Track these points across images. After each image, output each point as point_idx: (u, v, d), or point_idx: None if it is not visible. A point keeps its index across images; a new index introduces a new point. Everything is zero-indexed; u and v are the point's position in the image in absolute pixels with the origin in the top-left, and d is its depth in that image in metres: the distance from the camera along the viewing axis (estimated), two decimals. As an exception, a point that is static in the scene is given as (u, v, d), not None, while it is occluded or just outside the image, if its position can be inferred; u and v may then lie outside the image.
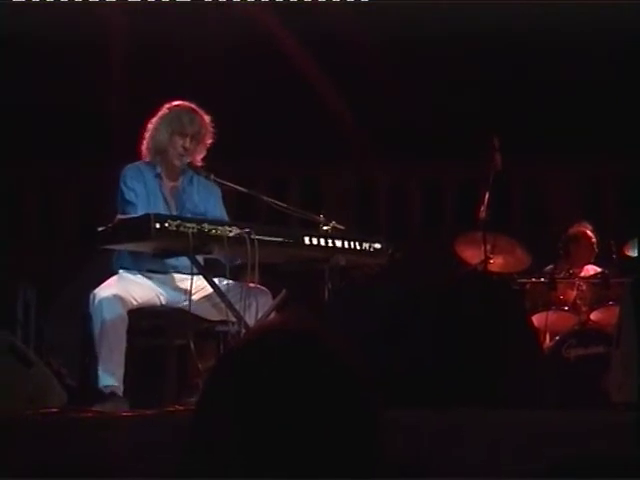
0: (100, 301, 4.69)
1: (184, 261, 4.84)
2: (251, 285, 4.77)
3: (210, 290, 4.86)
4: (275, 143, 8.34)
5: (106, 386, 4.63)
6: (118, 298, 4.71)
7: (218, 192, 5.17)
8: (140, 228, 4.53)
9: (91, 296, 4.76)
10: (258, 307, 4.84)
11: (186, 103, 5.09)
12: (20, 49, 7.34)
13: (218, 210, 5.14)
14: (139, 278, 4.93)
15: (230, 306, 4.76)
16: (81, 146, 8.19)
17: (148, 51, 7.66)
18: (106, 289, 4.77)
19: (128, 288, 4.81)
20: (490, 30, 7.40)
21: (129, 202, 4.91)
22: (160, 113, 5.08)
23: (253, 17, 7.70)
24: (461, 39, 7.63)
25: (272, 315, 4.92)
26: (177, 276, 4.99)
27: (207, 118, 5.04)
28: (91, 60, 7.73)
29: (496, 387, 4.02)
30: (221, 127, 5.08)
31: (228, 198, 5.46)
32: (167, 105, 5.10)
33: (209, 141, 5.06)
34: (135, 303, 4.79)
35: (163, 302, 4.96)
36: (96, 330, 4.67)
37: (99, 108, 7.95)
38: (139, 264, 4.94)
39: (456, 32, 7.51)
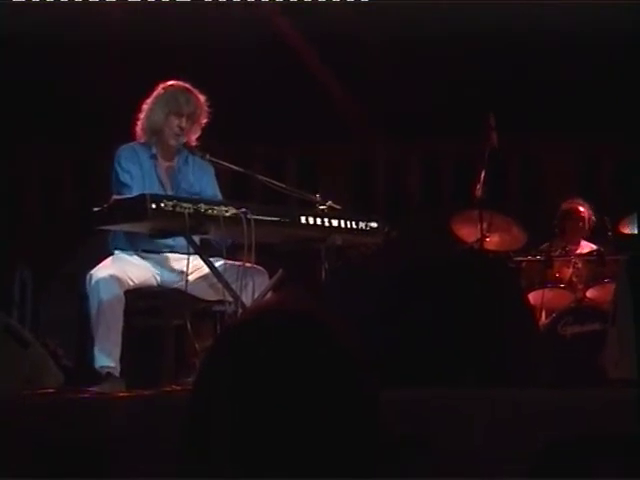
0: (97, 282, 4.69)
1: (180, 241, 4.84)
2: (247, 265, 4.77)
3: (206, 270, 4.86)
4: (271, 123, 8.32)
5: (102, 366, 4.64)
6: (115, 278, 4.71)
7: (212, 171, 5.17)
8: (136, 208, 4.52)
9: (87, 277, 4.76)
10: (255, 287, 4.84)
11: (181, 83, 5.08)
12: (20, 49, 7.40)
13: (211, 189, 5.14)
14: (135, 259, 4.93)
15: (227, 286, 4.76)
16: (78, 129, 8.18)
17: (147, 34, 7.68)
18: (102, 270, 4.77)
19: (124, 268, 4.81)
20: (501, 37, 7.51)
21: (124, 184, 4.90)
22: (155, 93, 5.07)
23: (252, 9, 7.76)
24: (462, 29, 7.67)
25: (269, 295, 4.92)
26: (173, 256, 4.99)
27: (202, 98, 5.04)
28: (87, 47, 7.76)
29: (492, 365, 4.03)
30: (217, 109, 5.07)
31: (223, 178, 5.45)
32: (162, 85, 5.09)
33: (204, 121, 5.06)
34: (132, 284, 4.79)
35: (159, 282, 4.97)
36: (93, 311, 4.68)
37: (95, 92, 7.95)
38: (135, 244, 4.94)
39: (456, 24, 7.56)
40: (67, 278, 6.91)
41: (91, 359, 4.68)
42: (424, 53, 8.17)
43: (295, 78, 8.35)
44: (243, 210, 4.68)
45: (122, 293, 4.71)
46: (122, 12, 7.56)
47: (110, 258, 4.91)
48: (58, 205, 8.79)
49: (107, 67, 7.99)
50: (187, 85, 5.06)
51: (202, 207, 4.62)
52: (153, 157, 5.07)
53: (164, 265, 4.99)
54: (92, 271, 4.78)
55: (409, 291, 4.33)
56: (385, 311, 4.21)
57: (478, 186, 6.27)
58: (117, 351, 4.66)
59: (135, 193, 4.72)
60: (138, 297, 4.81)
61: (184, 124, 4.99)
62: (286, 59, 8.24)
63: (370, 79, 8.41)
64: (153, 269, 4.96)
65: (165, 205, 4.51)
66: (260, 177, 5.32)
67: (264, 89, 8.26)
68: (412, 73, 8.33)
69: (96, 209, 4.66)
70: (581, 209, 7.02)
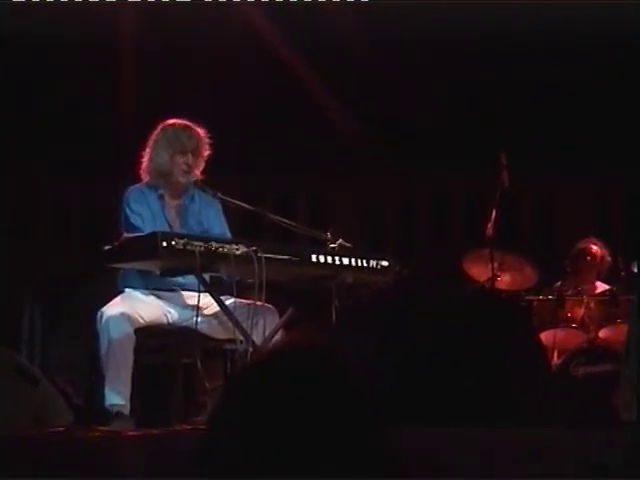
0: (107, 319, 4.73)
1: (191, 279, 4.87)
2: (258, 303, 4.79)
3: (217, 308, 4.89)
4: (281, 158, 8.37)
5: (113, 405, 4.66)
6: (125, 316, 4.75)
7: (219, 207, 5.22)
8: (147, 247, 4.56)
9: (98, 314, 4.80)
10: (265, 325, 4.87)
11: (179, 121, 5.15)
12: (20, 49, 7.40)
13: (219, 225, 5.19)
14: (146, 296, 4.97)
15: (237, 324, 4.78)
16: (88, 161, 8.21)
17: (150, 66, 7.72)
18: (113, 307, 4.81)
19: (135, 306, 4.85)
20: (501, 37, 7.42)
21: (135, 226, 4.96)
22: (155, 136, 5.13)
23: (255, 28, 7.71)
24: (468, 47, 7.66)
25: (279, 334, 4.95)
26: (184, 294, 5.03)
27: (202, 132, 5.12)
28: (93, 63, 7.73)
29: (504, 406, 4.04)
30: (226, 143, 5.13)
31: (234, 216, 5.50)
32: (161, 126, 5.15)
33: (206, 153, 5.13)
34: (142, 321, 4.83)
35: (170, 320, 5.00)
36: (103, 349, 4.71)
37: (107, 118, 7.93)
38: (145, 282, 4.98)
39: (463, 38, 7.54)
40: (77, 314, 6.94)
41: (101, 397, 4.70)
42: (438, 89, 8.21)
43: (305, 111, 8.38)
44: (253, 248, 4.71)
45: (132, 331, 4.74)
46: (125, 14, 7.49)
47: (120, 296, 4.95)
48: (67, 239, 8.81)
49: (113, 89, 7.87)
50: (186, 122, 5.13)
51: (213, 245, 4.66)
52: (160, 198, 5.13)
53: (174, 303, 5.02)
54: (103, 309, 4.82)
55: (420, 330, 4.35)
56: (395, 350, 4.23)
57: (489, 225, 6.31)
58: (127, 389, 4.68)
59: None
60: (148, 335, 4.85)
61: (190, 160, 5.06)
62: (293, 90, 8.26)
63: (381, 114, 8.44)
64: (163, 307, 4.99)
65: (176, 243, 4.55)
66: (271, 216, 5.35)
67: (274, 122, 8.30)
68: (425, 108, 8.36)
69: (107, 247, 4.71)
70: (594, 248, 7.02)
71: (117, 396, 4.66)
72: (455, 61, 7.91)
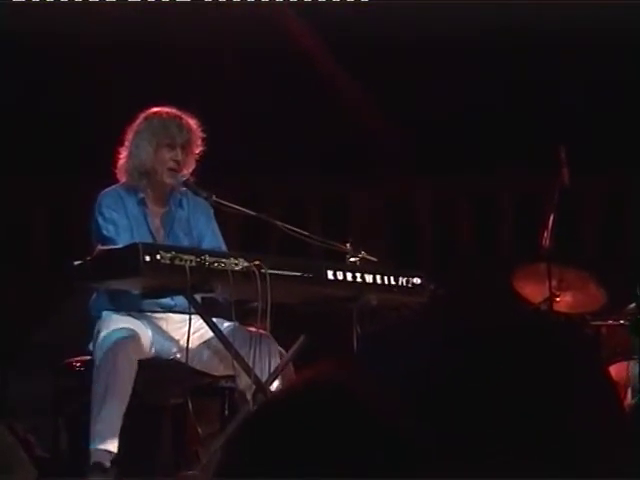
0: (115, 342, 4.73)
1: (180, 301, 4.90)
2: (262, 331, 4.81)
3: (211, 336, 4.90)
4: (290, 155, 8.40)
5: (100, 450, 4.65)
6: (136, 341, 4.79)
7: (210, 212, 5.24)
8: (126, 262, 4.57)
9: (101, 336, 4.81)
10: (271, 358, 4.87)
11: (167, 109, 5.14)
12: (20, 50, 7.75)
13: (212, 235, 5.20)
14: (126, 319, 4.98)
15: (237, 356, 4.80)
16: (55, 159, 8.31)
17: (149, 59, 8.02)
18: (121, 330, 4.82)
19: (140, 329, 4.88)
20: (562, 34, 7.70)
21: (108, 238, 4.94)
22: (137, 126, 5.12)
23: (265, 19, 8.00)
24: (528, 41, 7.89)
25: (288, 368, 4.95)
26: (171, 319, 5.05)
27: (194, 122, 5.11)
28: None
29: (567, 456, 4.04)
30: (226, 139, 5.16)
31: (233, 224, 5.53)
32: (144, 115, 5.14)
33: (198, 150, 5.13)
34: (147, 351, 4.85)
35: (155, 352, 5.02)
36: (102, 378, 4.70)
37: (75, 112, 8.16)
38: (125, 305, 4.99)
39: (518, 34, 7.80)
40: (38, 349, 6.96)
41: (73, 446, 4.71)
42: (476, 79, 8.30)
43: (318, 99, 8.46)
44: (256, 263, 4.73)
45: (136, 361, 4.76)
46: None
47: (111, 319, 4.94)
48: (27, 258, 8.84)
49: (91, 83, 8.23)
50: (175, 110, 5.12)
51: (206, 259, 4.67)
52: (141, 202, 5.13)
53: (160, 331, 5.04)
54: (106, 329, 4.83)
55: (460, 363, 4.35)
56: (431, 389, 4.24)
57: (546, 234, 6.30)
58: (118, 433, 4.68)
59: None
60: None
61: (180, 156, 5.06)
62: (307, 80, 8.36)
63: (410, 107, 8.50)
64: (147, 335, 5.01)
65: (162, 257, 4.56)
66: (278, 223, 5.37)
67: (280, 111, 8.37)
68: (464, 95, 8.42)
69: (77, 262, 4.72)
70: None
71: (109, 440, 4.64)
72: (509, 51, 8.09)
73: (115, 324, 4.91)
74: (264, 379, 4.80)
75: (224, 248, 5.19)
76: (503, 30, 7.86)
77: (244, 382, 4.81)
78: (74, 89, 8.28)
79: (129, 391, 4.73)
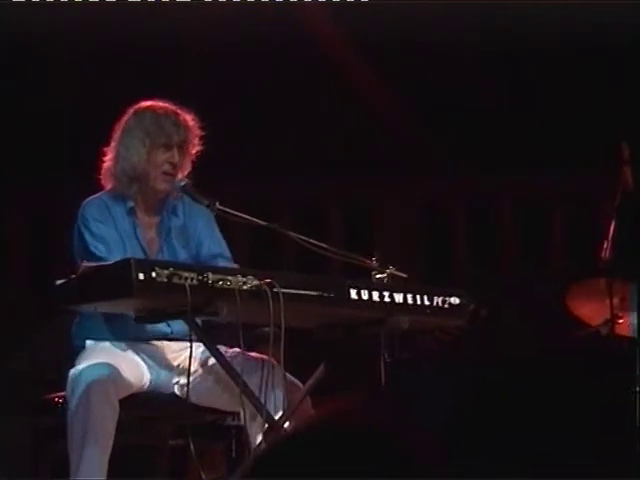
0: (88, 385, 4.71)
1: (179, 326, 4.90)
2: (264, 357, 4.80)
3: (215, 366, 4.91)
4: (307, 156, 8.42)
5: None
6: (112, 380, 4.76)
7: (211, 219, 5.23)
8: (117, 281, 4.57)
9: (70, 375, 4.80)
10: (275, 389, 4.87)
11: (161, 103, 5.13)
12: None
13: (215, 246, 5.19)
14: (120, 350, 4.98)
15: (245, 389, 4.79)
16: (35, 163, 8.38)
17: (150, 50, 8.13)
18: (93, 367, 4.80)
19: (119, 364, 4.85)
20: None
21: (98, 257, 4.91)
22: (125, 123, 5.10)
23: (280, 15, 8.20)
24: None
25: (306, 403, 4.95)
26: (169, 347, 5.06)
27: (191, 119, 5.11)
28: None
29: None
30: (234, 137, 5.16)
31: (240, 235, 5.53)
32: (133, 110, 5.12)
33: (195, 150, 5.13)
34: (128, 388, 4.83)
35: (150, 385, 5.02)
36: (76, 424, 4.70)
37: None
38: (114, 332, 5.00)
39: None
40: (15, 379, 6.97)
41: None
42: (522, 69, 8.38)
43: (337, 95, 8.52)
44: (268, 281, 4.73)
45: (117, 402, 4.74)
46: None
47: (92, 349, 4.95)
48: (3, 275, 8.88)
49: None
50: (170, 105, 5.11)
51: (209, 277, 4.67)
52: (131, 212, 5.13)
53: (156, 360, 5.04)
54: (78, 367, 4.82)
55: (506, 394, 4.35)
56: (473, 425, 4.23)
57: (605, 244, 6.28)
58: None
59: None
60: (121, 406, 4.85)
61: (176, 158, 5.06)
62: (320, 63, 8.44)
63: (446, 99, 8.56)
64: (142, 365, 5.01)
65: (158, 275, 4.55)
66: (292, 234, 5.36)
67: (294, 105, 8.41)
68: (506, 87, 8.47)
69: (60, 282, 4.72)
70: None
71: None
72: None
73: (95, 357, 4.88)
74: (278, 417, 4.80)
75: (228, 255, 5.19)
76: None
77: (248, 415, 4.78)
78: (55, 85, 8.39)
79: (111, 435, 4.71)
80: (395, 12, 8.21)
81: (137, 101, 5.14)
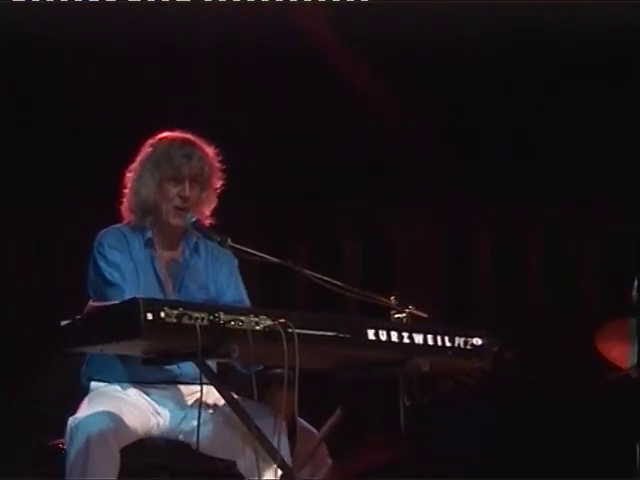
0: (88, 438, 4.72)
1: (189, 368, 4.94)
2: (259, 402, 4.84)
3: (228, 412, 4.93)
4: (320, 184, 8.44)
5: None
6: (111, 431, 4.76)
7: (234, 262, 5.29)
8: (124, 321, 4.56)
9: (69, 425, 4.83)
10: (280, 434, 4.90)
11: (176, 134, 5.20)
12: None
13: (233, 289, 5.25)
14: (127, 395, 5.02)
15: (260, 435, 4.82)
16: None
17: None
18: (92, 417, 4.82)
19: (122, 411, 4.88)
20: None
21: (111, 284, 5.00)
22: (141, 155, 5.19)
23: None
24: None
25: (322, 450, 4.97)
26: (179, 391, 5.10)
27: (210, 151, 5.17)
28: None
29: None
30: (241, 166, 5.21)
31: (252, 272, 5.54)
32: (150, 141, 5.20)
33: (219, 184, 5.19)
34: (131, 436, 4.85)
35: (158, 430, 5.06)
36: (75, 478, 4.73)
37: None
38: (121, 374, 5.04)
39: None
40: (18, 422, 6.99)
41: None
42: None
43: (350, 119, 8.54)
44: (282, 321, 4.74)
45: (118, 453, 4.77)
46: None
47: (94, 395, 4.99)
48: (4, 308, 8.88)
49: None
50: (186, 135, 5.18)
51: (221, 317, 4.67)
52: (149, 244, 5.19)
53: (165, 405, 5.07)
54: (76, 417, 4.85)
55: (533, 440, 4.39)
56: (497, 466, 4.27)
57: (636, 282, 6.30)
58: None
59: (128, 297, 4.75)
60: (127, 454, 4.89)
61: (187, 192, 5.11)
62: (330, 84, 8.48)
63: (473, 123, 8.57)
64: (149, 410, 5.05)
65: (167, 315, 4.55)
66: (307, 272, 5.38)
67: (308, 139, 8.44)
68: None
69: (65, 323, 4.75)
70: None
71: None
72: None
73: (96, 405, 4.91)
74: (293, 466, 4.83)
75: (249, 305, 5.22)
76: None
77: (271, 468, 4.81)
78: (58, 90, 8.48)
79: None
80: (395, 12, 8.24)
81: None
